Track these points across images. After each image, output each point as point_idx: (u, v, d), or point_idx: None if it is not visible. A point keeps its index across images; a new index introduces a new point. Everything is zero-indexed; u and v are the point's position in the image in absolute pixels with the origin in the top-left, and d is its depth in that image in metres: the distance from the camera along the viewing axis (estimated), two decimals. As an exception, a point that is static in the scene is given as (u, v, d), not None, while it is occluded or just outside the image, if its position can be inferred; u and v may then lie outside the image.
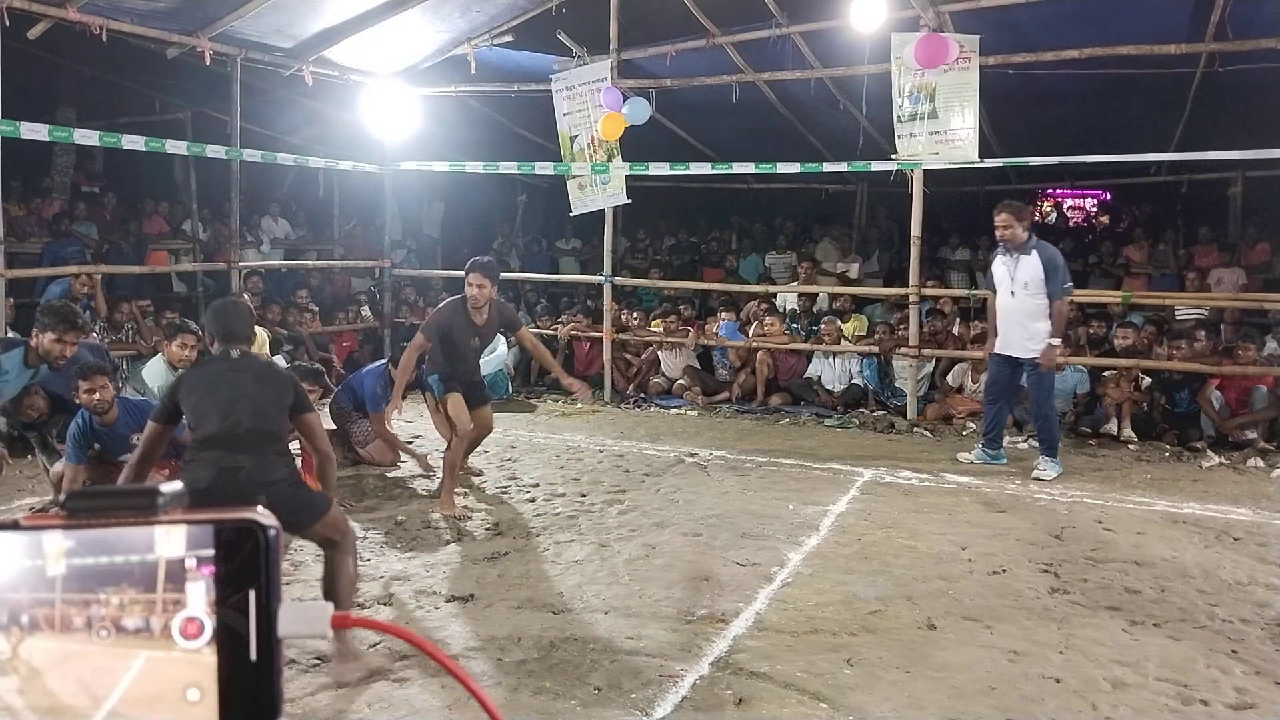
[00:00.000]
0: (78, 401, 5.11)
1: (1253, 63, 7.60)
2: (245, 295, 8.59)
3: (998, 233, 6.70)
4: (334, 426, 6.69)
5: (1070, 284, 6.65)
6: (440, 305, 5.96)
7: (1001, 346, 6.72)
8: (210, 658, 0.59)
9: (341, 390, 6.83)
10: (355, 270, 11.96)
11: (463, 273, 5.75)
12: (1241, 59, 7.64)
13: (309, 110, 11.20)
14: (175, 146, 8.69)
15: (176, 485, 0.63)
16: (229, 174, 9.13)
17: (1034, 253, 6.52)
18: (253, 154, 9.27)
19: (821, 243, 12.35)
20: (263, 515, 0.61)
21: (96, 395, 5.03)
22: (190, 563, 0.60)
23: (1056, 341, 6.50)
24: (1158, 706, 3.26)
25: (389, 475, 6.43)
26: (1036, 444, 6.88)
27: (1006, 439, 7.65)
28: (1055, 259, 6.53)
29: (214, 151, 8.87)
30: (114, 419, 5.12)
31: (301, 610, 0.61)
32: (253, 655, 0.60)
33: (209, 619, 0.59)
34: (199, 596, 0.60)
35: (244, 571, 0.60)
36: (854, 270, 11.41)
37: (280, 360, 8.37)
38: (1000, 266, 6.74)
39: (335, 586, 3.61)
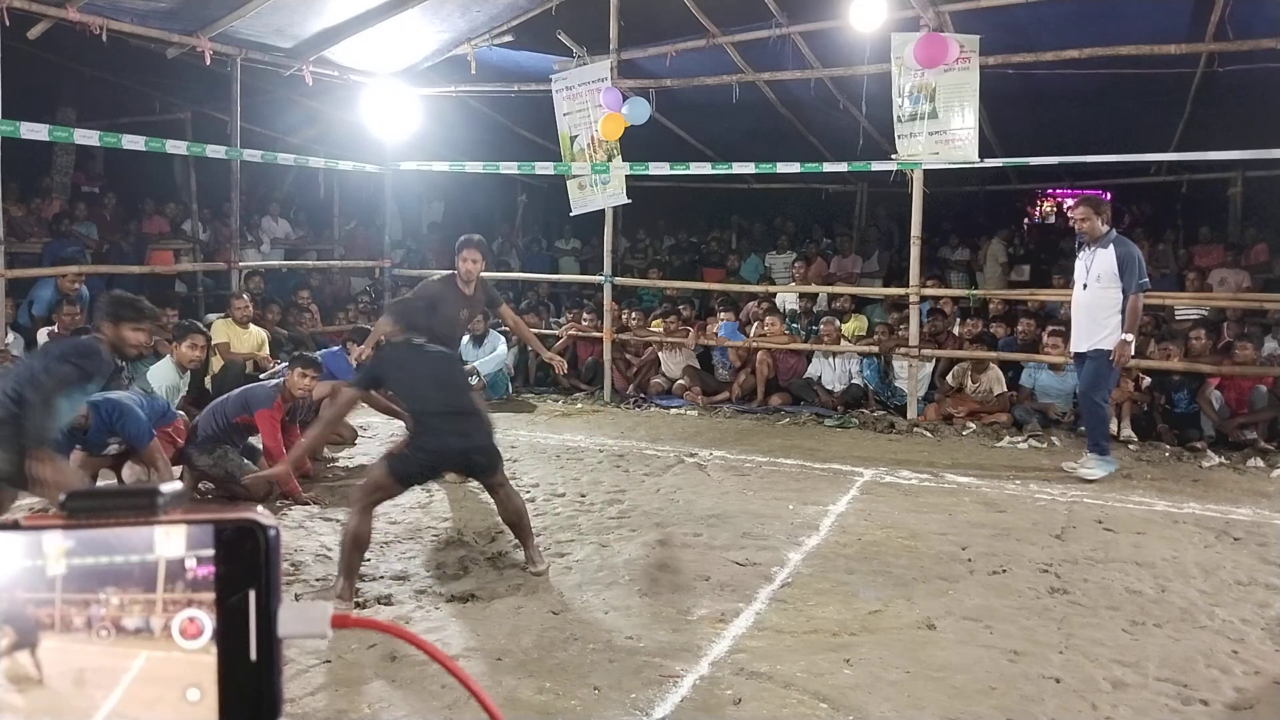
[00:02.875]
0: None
1: (1253, 63, 7.60)
2: (246, 295, 8.58)
3: (1075, 225, 6.58)
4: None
5: (1146, 280, 6.45)
6: (426, 281, 6.31)
7: (1075, 343, 6.58)
8: (210, 658, 0.59)
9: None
10: (355, 270, 11.97)
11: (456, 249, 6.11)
12: (1241, 59, 7.65)
13: (309, 110, 11.21)
14: (175, 146, 8.70)
15: (176, 485, 0.63)
16: (229, 174, 9.13)
17: (1110, 246, 6.36)
18: (253, 154, 9.28)
19: (991, 244, 11.94)
20: (263, 515, 0.61)
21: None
22: (190, 563, 0.60)
23: (1129, 338, 6.30)
24: (1158, 706, 3.26)
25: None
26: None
27: (1007, 439, 7.68)
28: (1131, 253, 6.37)
29: (214, 151, 8.88)
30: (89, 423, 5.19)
31: (301, 610, 0.61)
32: (253, 655, 0.60)
33: (209, 619, 0.59)
34: (199, 596, 0.60)
35: (244, 571, 0.60)
36: (1024, 274, 11.20)
37: (282, 361, 8.38)
38: (1079, 261, 6.60)
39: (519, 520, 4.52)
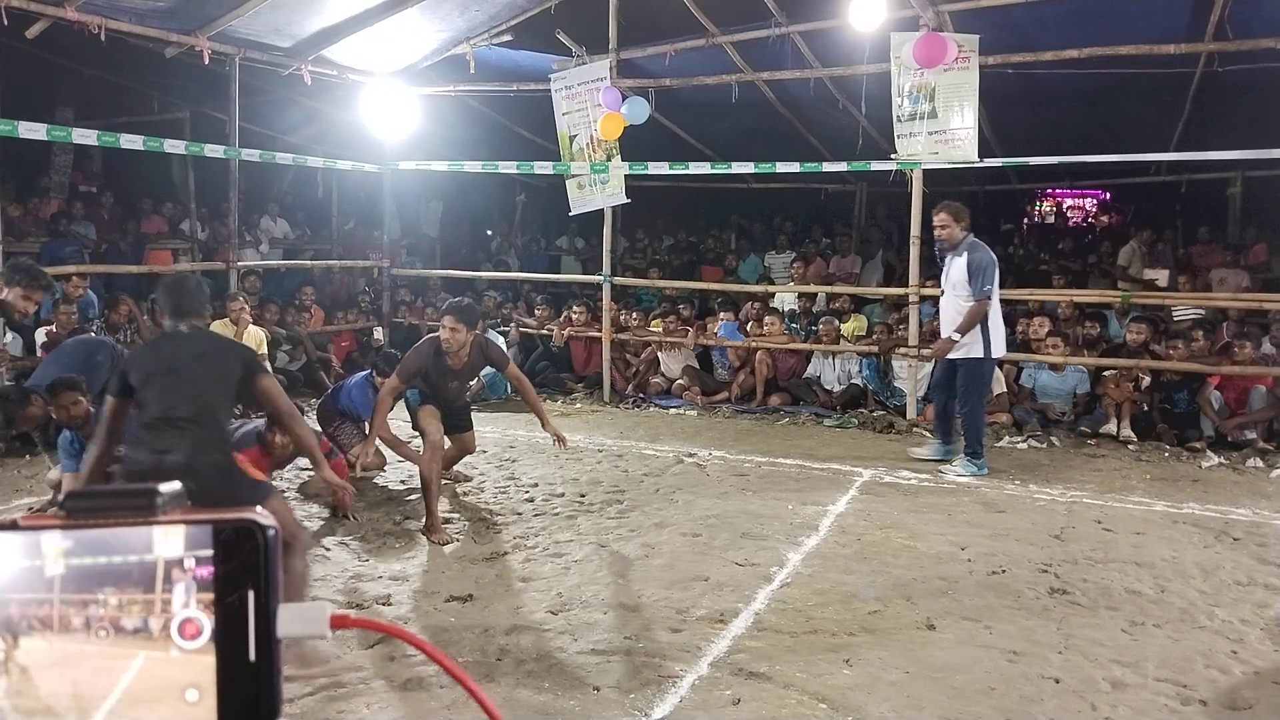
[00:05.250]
0: (54, 418, 5.11)
1: (1252, 63, 7.60)
2: (243, 295, 8.57)
3: (935, 233, 6.75)
4: (319, 429, 6.57)
5: (989, 287, 6.54)
6: (417, 344, 5.53)
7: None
8: (209, 658, 0.59)
9: (329, 396, 6.74)
10: (353, 270, 11.97)
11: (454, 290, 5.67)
12: (1241, 59, 7.65)
13: (307, 109, 11.21)
14: (174, 146, 8.69)
15: (175, 485, 0.63)
16: (227, 173, 9.12)
17: (965, 254, 6.53)
18: (251, 153, 9.27)
19: (1126, 247, 11.41)
20: (262, 515, 0.61)
21: (69, 412, 5.03)
22: (189, 563, 0.60)
23: (958, 337, 6.48)
24: (1157, 707, 3.26)
25: (387, 474, 6.41)
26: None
27: (1007, 439, 7.68)
28: (981, 260, 6.50)
29: (212, 151, 8.88)
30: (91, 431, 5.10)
31: (300, 611, 0.61)
32: (252, 655, 0.59)
33: (208, 619, 0.59)
34: (198, 597, 0.59)
35: (243, 572, 0.60)
36: (1163, 279, 10.66)
37: (280, 360, 8.39)
38: (944, 268, 6.82)
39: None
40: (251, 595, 0.60)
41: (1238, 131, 8.98)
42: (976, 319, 6.50)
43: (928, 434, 7.85)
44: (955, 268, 6.58)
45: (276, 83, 9.71)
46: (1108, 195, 15.21)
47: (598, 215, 9.74)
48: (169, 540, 0.60)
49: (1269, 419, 7.54)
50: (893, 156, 8.27)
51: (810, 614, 4.03)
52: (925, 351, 6.61)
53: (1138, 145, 9.32)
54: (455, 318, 5.21)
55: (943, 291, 6.78)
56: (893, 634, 3.84)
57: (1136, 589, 4.39)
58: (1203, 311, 9.25)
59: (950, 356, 6.63)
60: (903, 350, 8.58)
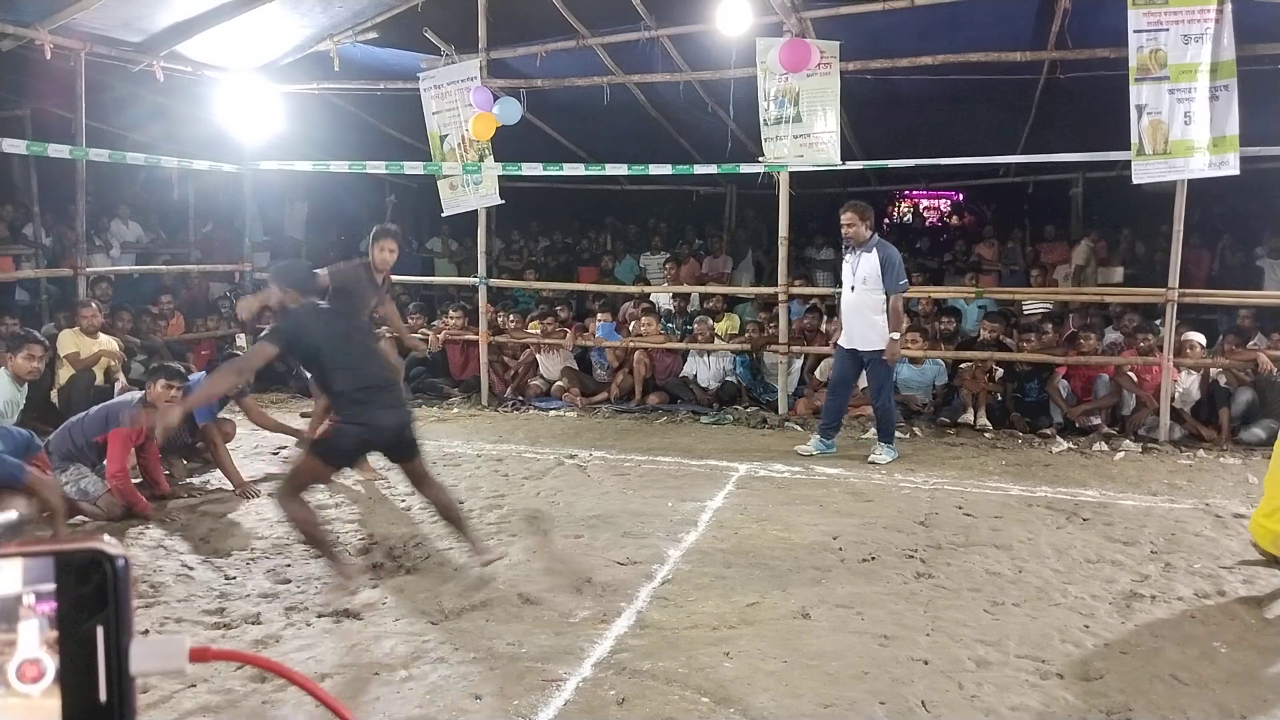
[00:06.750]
0: None
1: (1090, 70, 8.08)
2: (94, 304, 8.08)
3: (843, 230, 7.02)
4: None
5: (905, 281, 6.95)
6: (338, 265, 6.06)
7: (845, 340, 7.04)
8: (54, 702, 0.55)
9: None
10: (213, 275, 11.47)
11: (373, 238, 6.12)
12: (1080, 66, 8.11)
13: (161, 107, 10.67)
14: (13, 145, 8.12)
15: (11, 514, 0.59)
16: (74, 174, 8.59)
17: (874, 250, 6.83)
18: (100, 153, 8.75)
19: (1080, 247, 11.27)
20: (109, 545, 0.58)
21: None
22: (28, 599, 0.56)
23: (896, 336, 6.81)
24: (1018, 682, 3.44)
25: (256, 484, 6.16)
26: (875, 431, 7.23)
27: (872, 430, 7.95)
28: (893, 257, 6.84)
29: (57, 151, 8.33)
30: None
31: (156, 645, 0.58)
32: (102, 696, 0.56)
33: (51, 659, 0.55)
34: (38, 635, 0.56)
35: (90, 605, 0.56)
36: (1118, 275, 10.67)
37: (126, 374, 7.95)
38: (845, 264, 7.09)
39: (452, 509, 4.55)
40: (100, 631, 0.56)
41: (1079, 135, 9.55)
42: (900, 312, 6.90)
43: (799, 428, 8.07)
44: (866, 264, 6.81)
45: (127, 79, 9.20)
46: (961, 196, 15.94)
47: (471, 217, 9.61)
48: (4, 575, 0.56)
49: (1112, 405, 8.06)
50: (760, 159, 8.45)
51: (691, 609, 4.08)
52: (885, 358, 6.82)
53: (989, 148, 9.78)
54: (396, 241, 6.10)
55: (851, 288, 6.91)
56: (770, 624, 3.93)
57: (996, 570, 4.62)
58: (1050, 305, 9.80)
59: (865, 348, 6.86)
60: (773, 347, 8.78)
